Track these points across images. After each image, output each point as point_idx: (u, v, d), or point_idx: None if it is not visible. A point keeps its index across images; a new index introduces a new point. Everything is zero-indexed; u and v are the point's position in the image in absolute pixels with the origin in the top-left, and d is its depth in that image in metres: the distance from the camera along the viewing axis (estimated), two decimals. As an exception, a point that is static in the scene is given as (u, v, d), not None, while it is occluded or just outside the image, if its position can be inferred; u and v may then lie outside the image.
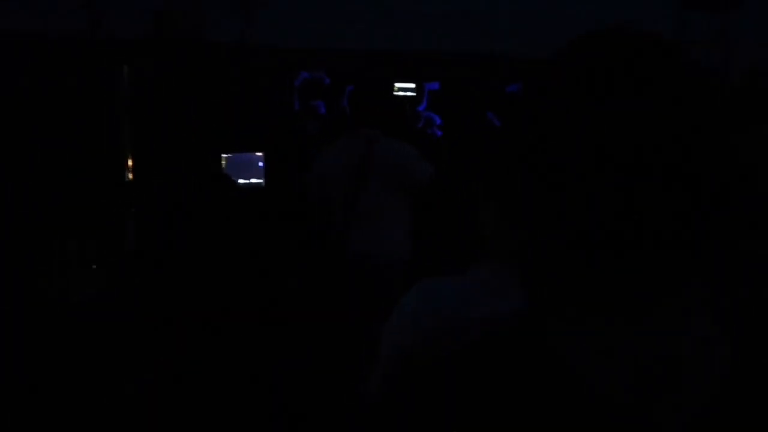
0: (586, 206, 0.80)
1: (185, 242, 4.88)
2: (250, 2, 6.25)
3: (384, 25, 6.39)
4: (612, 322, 0.82)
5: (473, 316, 2.04)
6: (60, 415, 3.98)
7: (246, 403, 3.74)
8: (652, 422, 0.79)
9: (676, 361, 0.81)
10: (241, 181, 4.75)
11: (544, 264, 0.86)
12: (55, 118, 5.29)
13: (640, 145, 0.79)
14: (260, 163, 4.78)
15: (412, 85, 5.95)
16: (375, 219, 4.54)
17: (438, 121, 6.40)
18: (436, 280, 2.19)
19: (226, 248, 5.05)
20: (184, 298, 4.84)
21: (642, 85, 0.80)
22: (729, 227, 0.84)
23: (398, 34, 6.30)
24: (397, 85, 5.36)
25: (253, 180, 4.80)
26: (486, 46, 6.06)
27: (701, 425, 0.79)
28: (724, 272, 0.87)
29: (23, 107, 5.37)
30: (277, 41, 5.89)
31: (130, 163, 4.84)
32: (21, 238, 4.98)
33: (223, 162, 4.64)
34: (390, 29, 6.35)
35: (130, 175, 4.87)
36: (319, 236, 4.52)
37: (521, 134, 0.87)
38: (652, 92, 0.80)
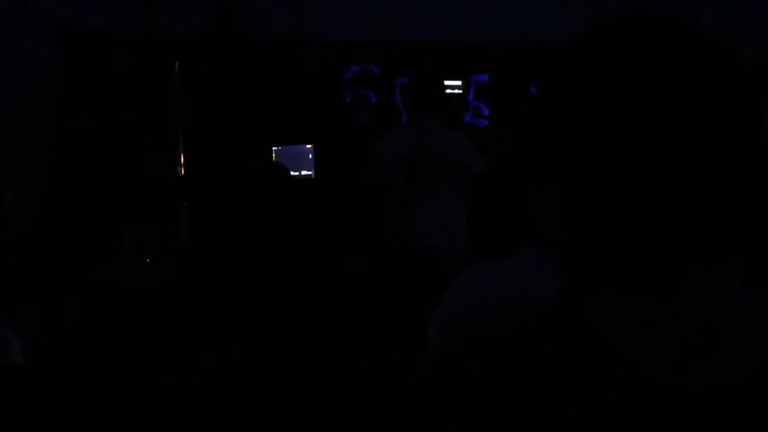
0: (624, 180, 0.81)
1: (236, 234, 4.95)
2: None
3: (433, 16, 6.42)
4: (650, 294, 0.83)
5: (521, 297, 2.05)
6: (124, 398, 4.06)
7: (302, 385, 3.79)
8: (691, 393, 0.80)
9: (715, 331, 0.82)
10: (291, 173, 4.80)
11: (583, 235, 0.87)
12: (113, 114, 5.40)
13: (676, 123, 0.80)
14: (310, 155, 4.83)
15: (458, 83, 5.96)
16: (431, 207, 4.57)
17: (486, 111, 6.38)
18: (486, 264, 2.21)
19: (278, 238, 5.10)
20: (237, 287, 4.91)
21: (670, 66, 0.81)
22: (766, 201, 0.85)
23: (447, 24, 6.30)
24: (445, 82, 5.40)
25: (304, 172, 4.85)
26: (535, 34, 6.04)
27: (740, 396, 0.80)
28: (763, 244, 0.87)
29: (84, 104, 5.49)
30: (327, 33, 5.92)
31: (182, 158, 4.93)
32: (82, 230, 5.10)
33: (274, 155, 4.69)
34: (439, 20, 6.36)
35: (183, 170, 4.96)
36: (376, 224, 4.56)
37: (555, 117, 0.88)
38: (681, 71, 0.81)
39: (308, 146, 4.82)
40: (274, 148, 4.69)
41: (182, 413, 2.21)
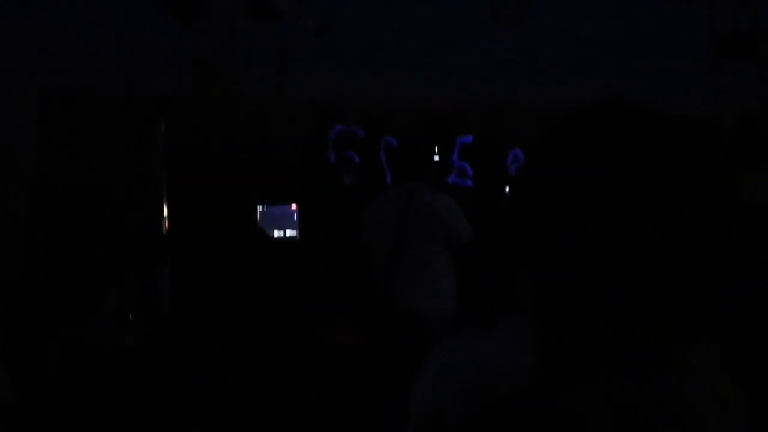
0: (595, 267, 0.83)
1: (219, 294, 4.93)
2: (286, 54, 6.36)
3: (416, 78, 6.49)
4: (623, 380, 0.84)
5: (500, 371, 2.05)
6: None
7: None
8: None
9: (688, 417, 0.82)
10: (276, 233, 4.80)
11: (557, 320, 0.88)
12: (95, 171, 5.39)
13: (648, 210, 0.81)
14: (295, 216, 4.82)
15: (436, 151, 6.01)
16: (419, 272, 4.52)
17: (470, 171, 6.42)
18: (465, 334, 2.21)
19: (259, 301, 5.09)
20: (218, 347, 4.88)
21: (645, 156, 0.83)
22: (739, 285, 0.86)
23: (430, 86, 6.38)
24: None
25: (289, 232, 4.84)
26: (517, 95, 6.12)
27: None
28: (736, 330, 0.88)
29: (66, 161, 5.48)
30: (312, 93, 5.97)
31: (166, 214, 4.92)
32: (62, 287, 5.05)
33: (258, 214, 4.69)
34: (422, 81, 6.43)
35: (166, 227, 4.95)
36: (364, 287, 4.54)
37: (528, 202, 0.90)
38: (656, 162, 0.83)
39: (293, 206, 4.83)
40: (259, 208, 4.70)
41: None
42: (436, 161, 6.09)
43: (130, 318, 4.90)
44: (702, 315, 0.83)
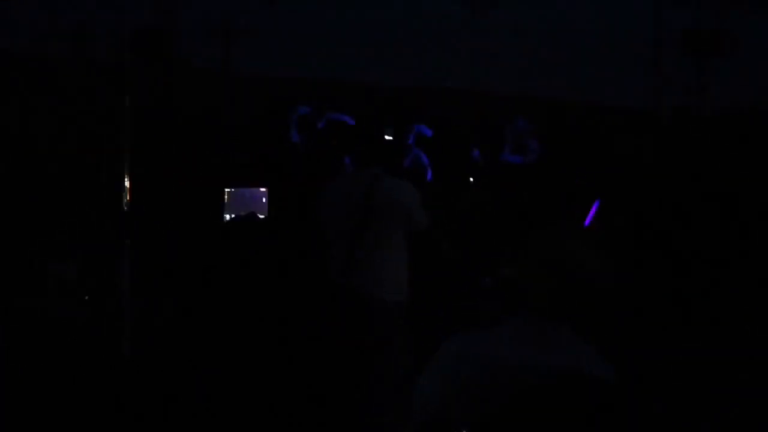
0: None
1: (183, 272, 4.83)
2: (233, 30, 6.22)
3: (374, 59, 6.42)
4: None
5: (512, 366, 2.07)
6: None
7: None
8: None
9: None
10: (243, 215, 4.72)
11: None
12: (55, 143, 5.22)
13: None
14: (264, 199, 4.74)
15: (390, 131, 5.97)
16: (378, 257, 4.53)
17: (426, 160, 6.40)
18: (474, 330, 2.23)
19: (223, 281, 5.01)
20: (178, 325, 4.79)
21: None
22: None
23: (389, 68, 6.34)
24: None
25: (258, 215, 4.76)
26: (483, 83, 6.12)
27: None
28: None
29: (22, 132, 5.29)
30: (266, 71, 5.87)
31: (128, 197, 4.76)
32: (14, 258, 4.90)
33: (226, 197, 4.59)
34: (380, 62, 6.38)
35: (128, 200, 4.79)
36: (321, 271, 4.51)
37: None
38: None
39: (262, 189, 4.74)
40: (227, 190, 4.60)
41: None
42: (395, 146, 6.07)
43: (86, 299, 4.78)
44: None
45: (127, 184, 4.73)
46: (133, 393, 4.26)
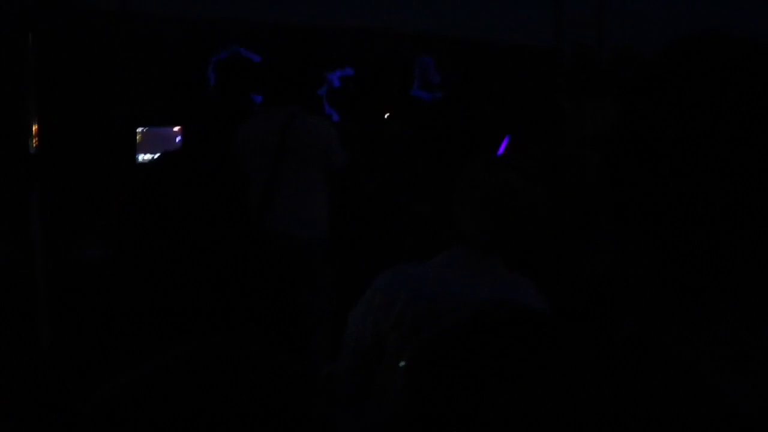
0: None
1: (95, 220, 4.68)
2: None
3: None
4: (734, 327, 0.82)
5: (446, 298, 2.05)
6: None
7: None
8: None
9: None
10: (157, 156, 4.58)
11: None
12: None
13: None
14: (178, 138, 4.61)
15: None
16: (293, 196, 4.50)
17: (336, 117, 6.24)
18: (410, 263, 2.21)
19: (138, 227, 4.86)
20: (90, 277, 4.64)
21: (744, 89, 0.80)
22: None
23: (302, 6, 6.20)
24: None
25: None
26: (391, 21, 6.04)
27: None
28: None
29: None
30: (191, 13, 5.69)
31: (35, 140, 4.57)
32: None
33: (138, 136, 4.45)
34: (294, 1, 6.25)
35: (35, 142, 4.60)
36: (236, 211, 4.43)
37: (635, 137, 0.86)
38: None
39: (176, 128, 4.61)
40: (139, 129, 4.45)
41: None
42: (310, 83, 5.97)
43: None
44: None
45: (34, 127, 4.55)
46: (50, 339, 4.14)
